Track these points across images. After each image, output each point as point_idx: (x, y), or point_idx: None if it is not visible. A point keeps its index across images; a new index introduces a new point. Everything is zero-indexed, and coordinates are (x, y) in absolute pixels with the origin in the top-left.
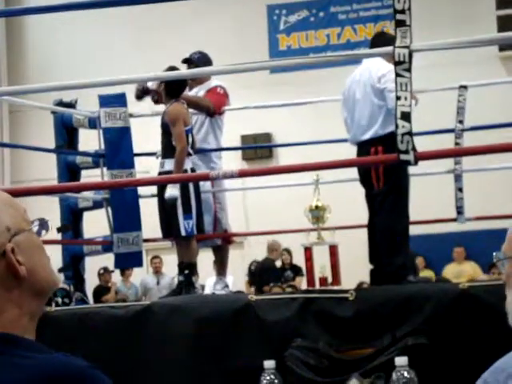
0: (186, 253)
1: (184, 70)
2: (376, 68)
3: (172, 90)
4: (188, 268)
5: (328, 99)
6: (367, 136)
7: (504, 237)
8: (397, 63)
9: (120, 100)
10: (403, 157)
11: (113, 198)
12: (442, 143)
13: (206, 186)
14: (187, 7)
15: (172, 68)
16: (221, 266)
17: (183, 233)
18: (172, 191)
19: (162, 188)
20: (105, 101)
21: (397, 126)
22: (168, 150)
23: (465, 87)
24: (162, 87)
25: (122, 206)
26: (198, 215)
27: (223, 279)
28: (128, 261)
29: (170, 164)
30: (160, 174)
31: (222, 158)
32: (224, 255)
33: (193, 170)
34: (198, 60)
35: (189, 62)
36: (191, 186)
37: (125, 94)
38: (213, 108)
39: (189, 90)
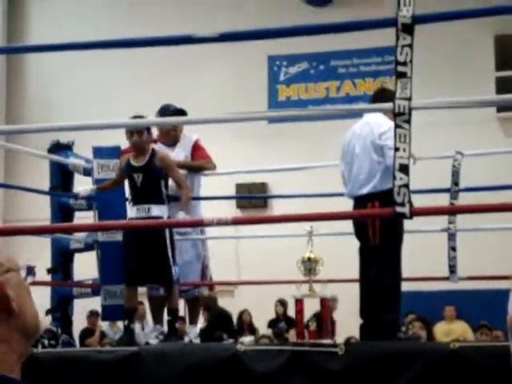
0: (174, 299)
1: (182, 117)
2: (377, 124)
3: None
4: (174, 314)
5: (327, 165)
6: (365, 191)
7: (495, 297)
8: (396, 114)
9: (114, 152)
10: (399, 209)
11: (103, 246)
12: (438, 202)
13: (194, 233)
14: (189, 52)
15: (137, 117)
16: (197, 316)
17: (175, 278)
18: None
19: (150, 234)
20: (99, 152)
21: (394, 178)
22: (156, 196)
23: (461, 153)
24: (145, 135)
25: (111, 256)
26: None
27: (195, 328)
28: (115, 313)
29: (158, 209)
30: (149, 219)
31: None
32: (200, 305)
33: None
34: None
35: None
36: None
37: (119, 147)
38: (214, 166)
39: (170, 149)
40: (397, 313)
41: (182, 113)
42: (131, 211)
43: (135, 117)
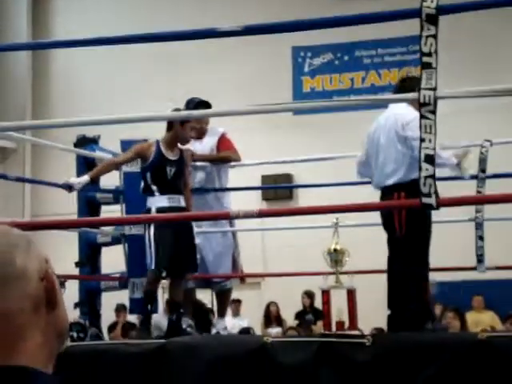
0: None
1: (206, 110)
2: (402, 115)
3: None
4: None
5: (351, 156)
6: (391, 181)
7: None
8: (422, 105)
9: None
10: (425, 200)
11: (130, 240)
12: (465, 189)
13: (223, 225)
14: (212, 46)
15: (177, 109)
16: (226, 308)
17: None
18: None
19: (185, 224)
20: (126, 145)
21: (420, 169)
22: (181, 188)
23: (489, 141)
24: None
25: (138, 249)
26: None
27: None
28: (140, 306)
29: (184, 200)
30: (180, 209)
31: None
32: (230, 296)
33: (161, 210)
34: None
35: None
36: None
37: (147, 140)
38: (239, 157)
39: (196, 142)
40: (424, 303)
41: (206, 105)
42: (160, 200)
43: (175, 109)
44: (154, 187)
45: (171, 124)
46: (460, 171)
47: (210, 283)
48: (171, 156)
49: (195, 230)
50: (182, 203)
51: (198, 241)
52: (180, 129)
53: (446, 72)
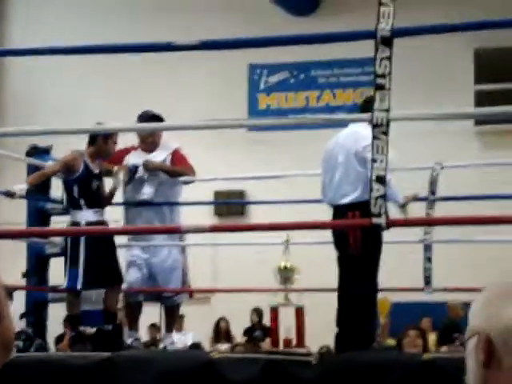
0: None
1: (163, 123)
2: (362, 136)
3: None
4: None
5: (304, 174)
6: (346, 200)
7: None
8: (374, 126)
9: None
10: (375, 220)
11: None
12: (415, 211)
13: (173, 239)
14: (169, 60)
15: (98, 123)
16: (174, 323)
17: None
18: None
19: (109, 238)
20: None
21: (371, 189)
22: (101, 201)
23: (440, 164)
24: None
25: None
26: None
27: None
28: (90, 319)
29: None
30: (104, 223)
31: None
32: (179, 311)
33: (90, 225)
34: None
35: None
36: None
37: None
38: (194, 174)
39: (146, 152)
40: (372, 323)
41: (159, 119)
42: (88, 214)
43: (98, 123)
44: (82, 201)
45: (94, 138)
46: (401, 211)
47: (160, 297)
48: (95, 169)
49: (143, 243)
50: (105, 217)
51: (146, 255)
52: (103, 143)
53: (399, 93)
